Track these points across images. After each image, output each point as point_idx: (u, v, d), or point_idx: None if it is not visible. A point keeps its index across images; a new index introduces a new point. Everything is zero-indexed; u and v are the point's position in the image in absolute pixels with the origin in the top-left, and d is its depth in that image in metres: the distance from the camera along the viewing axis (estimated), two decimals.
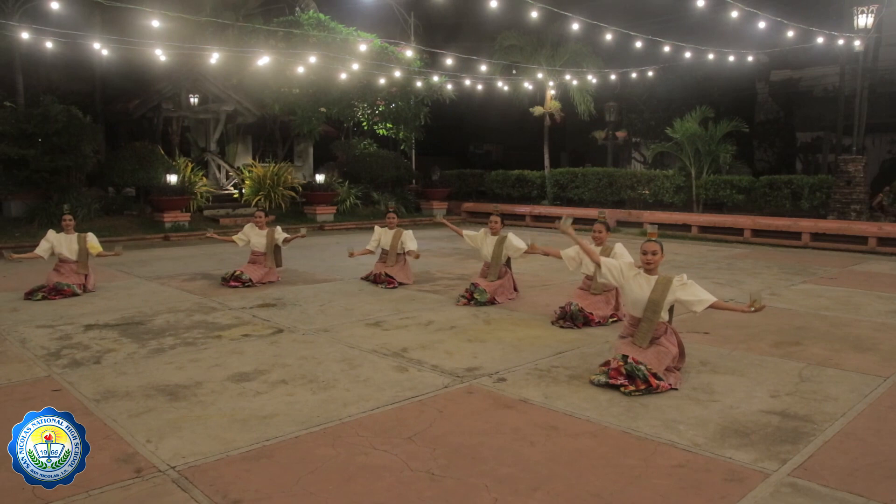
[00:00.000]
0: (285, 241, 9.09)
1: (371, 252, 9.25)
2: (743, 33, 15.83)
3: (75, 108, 14.35)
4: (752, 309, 4.57)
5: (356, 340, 6.05)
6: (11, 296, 8.09)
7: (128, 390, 4.68)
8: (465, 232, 8.37)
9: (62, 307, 7.48)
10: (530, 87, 19.59)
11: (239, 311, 7.33)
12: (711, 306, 4.80)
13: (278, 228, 9.17)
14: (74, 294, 8.05)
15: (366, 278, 9.17)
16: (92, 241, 8.41)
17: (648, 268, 4.97)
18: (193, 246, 13.69)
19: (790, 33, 14.37)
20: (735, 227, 14.87)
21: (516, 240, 7.74)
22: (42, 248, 8.30)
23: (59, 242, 8.27)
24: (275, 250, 9.11)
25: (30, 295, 7.88)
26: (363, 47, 16.72)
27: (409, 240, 8.93)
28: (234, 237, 9.32)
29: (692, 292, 4.81)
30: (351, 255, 9.12)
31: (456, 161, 25.95)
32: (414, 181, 21.03)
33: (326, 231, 16.86)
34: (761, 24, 13.81)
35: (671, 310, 5.05)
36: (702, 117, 16.56)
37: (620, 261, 5.38)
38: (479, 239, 8.10)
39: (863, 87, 15.27)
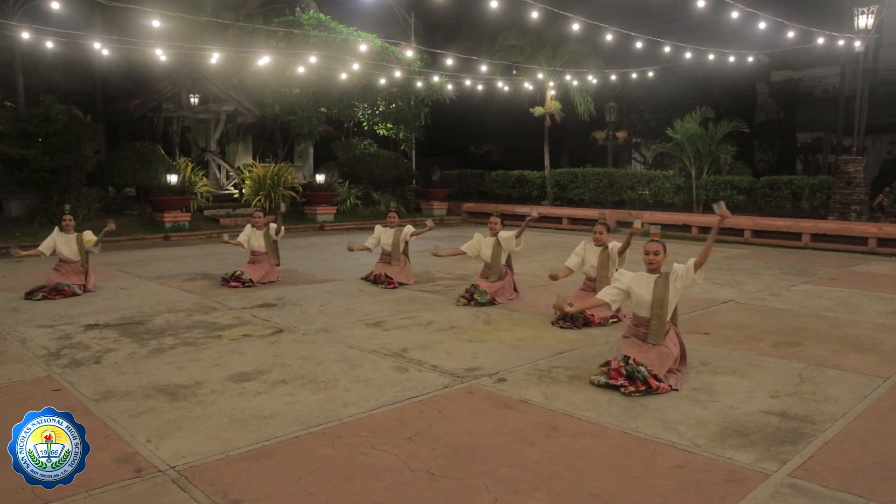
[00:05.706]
0: (277, 231, 9.11)
1: (369, 250, 9.26)
2: (743, 34, 15.83)
3: (75, 108, 14.32)
4: (721, 217, 4.96)
5: (356, 340, 6.05)
6: (11, 296, 8.09)
7: (128, 390, 4.68)
8: (464, 248, 8.00)
9: (62, 307, 7.49)
10: (530, 87, 19.56)
11: (239, 311, 7.33)
12: (697, 263, 4.91)
13: (271, 226, 9.17)
14: (74, 294, 8.06)
15: (366, 278, 9.17)
16: (88, 236, 8.41)
17: (651, 267, 5.01)
18: (193, 246, 13.69)
19: (790, 34, 14.37)
20: (735, 228, 14.85)
21: (507, 233, 7.79)
22: (45, 245, 8.32)
23: (60, 242, 8.28)
24: (273, 246, 9.13)
25: (30, 295, 7.88)
26: (363, 47, 16.71)
27: (411, 229, 8.99)
28: (240, 239, 9.28)
29: (681, 274, 4.93)
30: (350, 249, 9.20)
31: (456, 161, 25.94)
32: (414, 181, 21.01)
33: (327, 231, 16.85)
34: (762, 25, 13.81)
35: (674, 311, 5.08)
36: (702, 118, 16.54)
37: (613, 278, 5.44)
38: (477, 243, 8.02)
39: (863, 87, 15.26)
